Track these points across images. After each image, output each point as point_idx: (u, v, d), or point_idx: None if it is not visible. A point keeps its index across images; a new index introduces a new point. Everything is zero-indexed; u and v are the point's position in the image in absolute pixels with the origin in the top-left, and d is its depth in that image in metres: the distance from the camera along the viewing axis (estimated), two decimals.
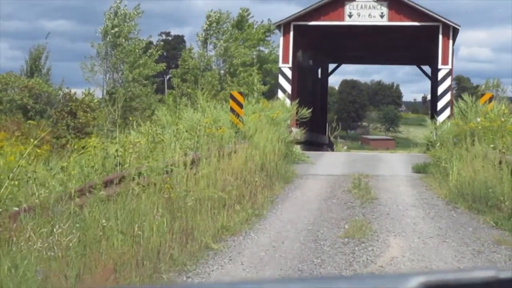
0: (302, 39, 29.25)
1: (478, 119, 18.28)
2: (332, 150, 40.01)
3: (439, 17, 27.50)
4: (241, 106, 20.83)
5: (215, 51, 52.32)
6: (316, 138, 34.20)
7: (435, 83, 33.08)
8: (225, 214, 12.15)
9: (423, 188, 17.97)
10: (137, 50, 50.56)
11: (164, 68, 53.89)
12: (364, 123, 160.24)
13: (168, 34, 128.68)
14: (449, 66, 27.27)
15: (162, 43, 76.39)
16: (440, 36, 27.19)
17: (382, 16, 27.94)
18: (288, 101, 25.63)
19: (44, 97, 42.95)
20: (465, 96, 20.37)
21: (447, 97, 27.10)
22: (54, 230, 8.22)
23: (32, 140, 10.39)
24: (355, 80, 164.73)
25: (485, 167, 15.13)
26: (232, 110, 20.69)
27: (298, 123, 25.54)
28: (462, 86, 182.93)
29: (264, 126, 20.10)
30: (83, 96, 37.91)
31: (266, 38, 56.09)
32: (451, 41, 27.43)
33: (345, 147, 50.83)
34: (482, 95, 21.26)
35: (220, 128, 17.25)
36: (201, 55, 51.31)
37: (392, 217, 13.58)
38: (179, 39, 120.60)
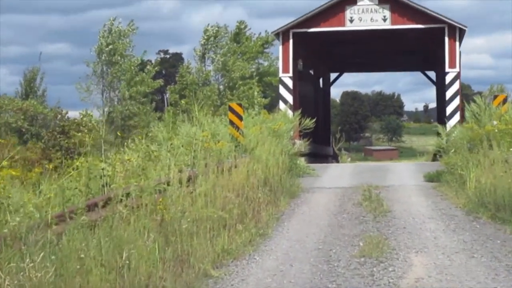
0: (302, 48, 28.13)
1: (495, 122, 17.07)
2: (337, 161, 38.79)
3: (444, 19, 26.33)
4: (240, 118, 19.66)
5: (213, 66, 51.25)
6: (320, 150, 32.99)
7: (441, 88, 31.92)
8: (225, 236, 10.90)
9: (438, 197, 16.76)
10: (132, 68, 49.51)
11: (162, 84, 52.78)
12: (367, 134, 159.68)
13: (166, 52, 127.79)
14: (457, 69, 26.11)
15: (159, 59, 75.46)
16: (446, 38, 26.03)
17: (384, 20, 26.79)
18: (290, 112, 24.44)
19: (40, 119, 41.90)
20: (478, 98, 19.17)
21: (456, 102, 25.93)
22: (25, 264, 7.04)
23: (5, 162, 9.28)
24: (356, 92, 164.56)
25: (507, 172, 13.90)
26: (231, 123, 19.52)
27: (301, 135, 24.35)
28: (463, 93, 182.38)
29: (266, 139, 18.90)
30: (81, 117, 36.77)
31: (265, 50, 55.11)
32: (457, 43, 26.25)
33: (349, 159, 49.59)
34: (495, 97, 20.07)
35: (219, 142, 16.08)
36: (199, 70, 50.22)
37: (410, 231, 12.37)
38: (177, 57, 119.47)
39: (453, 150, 17.52)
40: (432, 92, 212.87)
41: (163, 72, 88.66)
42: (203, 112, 19.97)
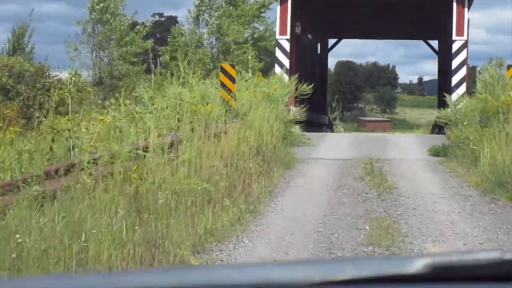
0: (301, 9, 26.40)
1: None
2: (332, 131, 37.18)
3: None
4: (233, 80, 18.06)
5: (207, 29, 49.46)
6: (316, 118, 31.31)
7: (445, 58, 30.27)
8: (210, 213, 9.31)
9: (446, 174, 15.23)
10: (122, 27, 47.86)
11: (152, 45, 50.94)
12: (360, 105, 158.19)
13: (161, 15, 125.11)
14: (465, 37, 24.41)
15: (151, 20, 73.59)
16: (454, 4, 24.32)
17: None
18: (286, 77, 22.71)
19: (26, 76, 40.28)
20: (489, 67, 17.58)
21: (463, 72, 24.28)
22: None
23: None
24: (350, 61, 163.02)
25: None
26: (223, 85, 17.92)
27: (298, 101, 22.72)
28: None
29: (259, 103, 17.30)
30: (70, 76, 35.11)
31: (261, 15, 53.20)
32: (466, 9, 24.53)
33: (342, 129, 47.93)
34: (509, 67, 18.49)
35: (207, 105, 14.52)
36: (192, 32, 48.42)
37: (421, 213, 10.83)
38: (173, 20, 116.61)
39: (465, 123, 15.93)
40: (427, 65, 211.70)
41: (157, 35, 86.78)
42: (194, 73, 18.45)
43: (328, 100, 45.34)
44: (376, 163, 16.47)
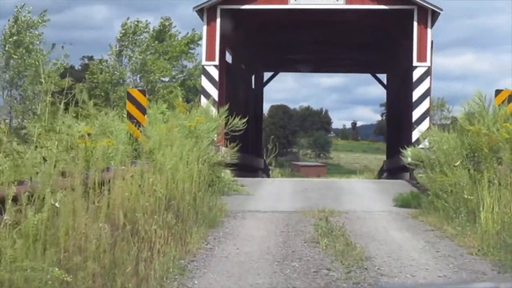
0: (233, 32, 22.33)
1: None
2: (268, 176, 32.96)
3: None
4: (143, 111, 13.85)
5: (130, 65, 45.04)
6: (250, 161, 27.09)
7: (399, 90, 26.50)
8: None
9: (430, 234, 11.15)
10: (37, 63, 43.27)
11: (70, 83, 46.36)
12: (294, 150, 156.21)
13: (91, 58, 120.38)
14: (427, 63, 20.57)
15: (67, 55, 68.86)
16: (415, 24, 20.46)
17: None
18: (213, 109, 18.42)
19: None
20: (476, 93, 13.59)
21: (426, 104, 20.42)
22: None
23: None
24: (285, 106, 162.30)
25: None
26: (130, 116, 13.71)
27: (228, 139, 18.49)
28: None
29: (176, 139, 12.98)
30: None
31: (190, 51, 49.00)
32: (429, 30, 20.66)
33: (279, 175, 43.67)
34: (498, 92, 14.60)
35: (95, 142, 10.23)
36: (113, 67, 43.98)
37: None
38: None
39: (458, 163, 11.81)
40: (359, 110, 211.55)
41: (86, 77, 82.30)
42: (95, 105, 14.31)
43: (264, 141, 40.94)
44: (331, 217, 12.37)
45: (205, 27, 21.04)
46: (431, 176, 13.08)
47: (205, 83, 20.55)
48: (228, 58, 25.02)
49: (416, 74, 20.45)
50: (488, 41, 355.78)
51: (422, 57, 20.44)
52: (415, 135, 19.21)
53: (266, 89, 34.40)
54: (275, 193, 17.13)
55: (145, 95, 14.26)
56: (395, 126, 27.24)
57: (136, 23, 45.48)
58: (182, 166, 11.53)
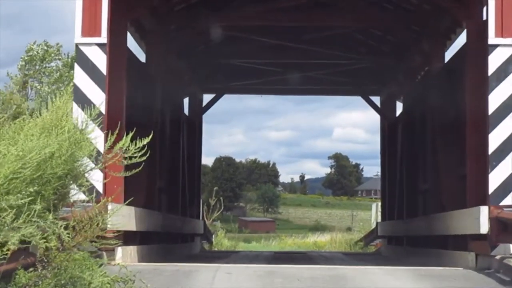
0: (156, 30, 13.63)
1: None
2: (210, 243, 24.00)
3: None
4: None
5: (37, 99, 36.23)
6: (179, 225, 17.82)
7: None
8: None
9: None
10: None
11: None
12: (241, 204, 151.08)
13: None
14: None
15: None
16: None
17: None
18: (93, 126, 9.09)
19: None
20: None
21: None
22: None
23: None
24: (230, 157, 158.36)
25: None
26: None
27: (130, 189, 9.46)
28: (341, 164, 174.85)
29: None
30: None
31: None
32: None
33: (226, 241, 34.06)
34: None
35: None
36: (10, 101, 35.00)
37: None
38: None
39: None
40: (307, 164, 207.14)
41: None
42: None
43: (203, 199, 30.94)
44: None
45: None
46: None
47: (79, 78, 11.17)
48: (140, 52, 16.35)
49: (494, 60, 11.30)
50: None
51: (506, 30, 11.31)
52: (493, 179, 10.48)
53: (210, 143, 24.90)
54: None
55: None
56: (412, 169, 18.10)
57: (45, 48, 36.70)
58: None
